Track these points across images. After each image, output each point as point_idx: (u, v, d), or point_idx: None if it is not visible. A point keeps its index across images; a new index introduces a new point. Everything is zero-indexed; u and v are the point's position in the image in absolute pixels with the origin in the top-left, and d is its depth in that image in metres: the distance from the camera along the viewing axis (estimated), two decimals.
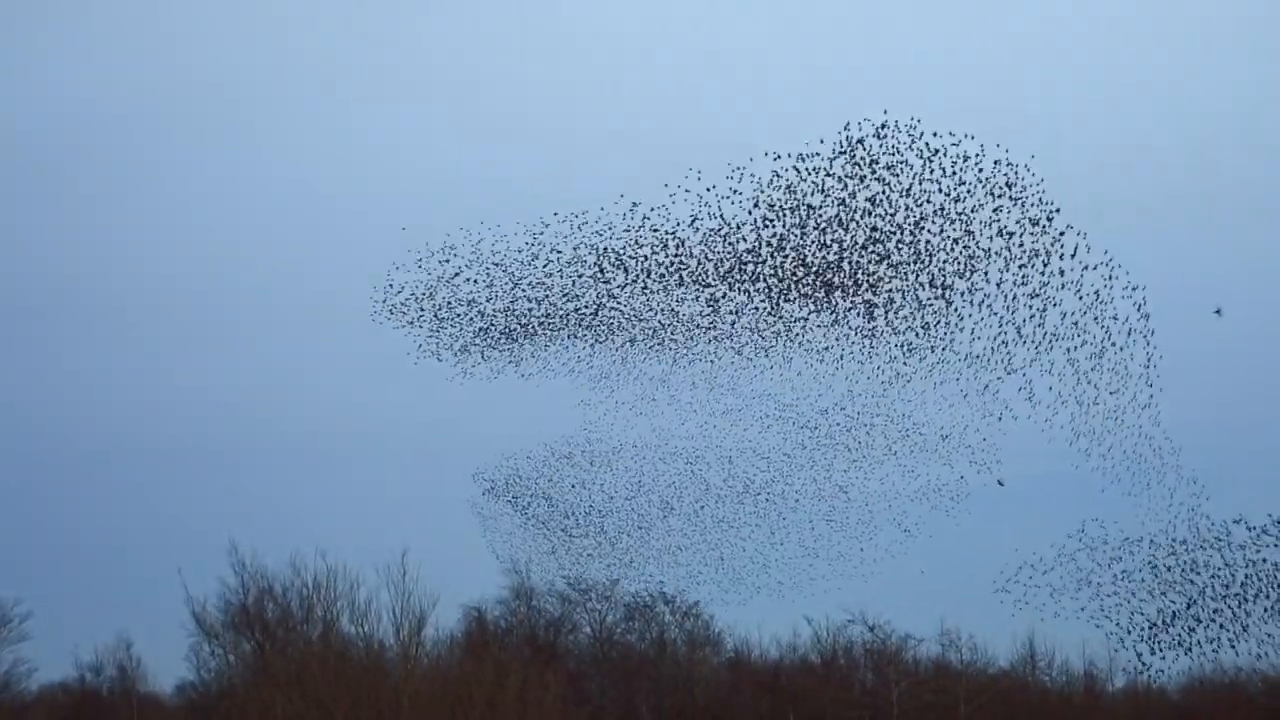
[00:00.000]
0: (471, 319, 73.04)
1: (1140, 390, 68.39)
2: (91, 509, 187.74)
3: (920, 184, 65.08)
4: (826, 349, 70.91)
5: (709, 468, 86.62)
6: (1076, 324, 66.70)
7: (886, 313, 68.48)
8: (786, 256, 67.55)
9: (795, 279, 68.48)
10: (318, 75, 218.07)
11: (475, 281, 71.54)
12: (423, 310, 72.50)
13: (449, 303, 72.33)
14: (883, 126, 63.89)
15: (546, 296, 71.98)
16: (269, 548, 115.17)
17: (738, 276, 68.88)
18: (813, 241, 66.88)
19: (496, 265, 71.07)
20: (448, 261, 70.88)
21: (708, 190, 65.74)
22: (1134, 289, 65.82)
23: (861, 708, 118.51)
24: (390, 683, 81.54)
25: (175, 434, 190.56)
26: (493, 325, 73.48)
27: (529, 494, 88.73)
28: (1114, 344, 67.13)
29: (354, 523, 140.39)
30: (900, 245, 66.36)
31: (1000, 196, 64.60)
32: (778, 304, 69.65)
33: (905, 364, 69.98)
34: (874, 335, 69.46)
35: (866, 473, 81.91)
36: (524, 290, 71.76)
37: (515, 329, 73.78)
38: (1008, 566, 73.74)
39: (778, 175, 64.93)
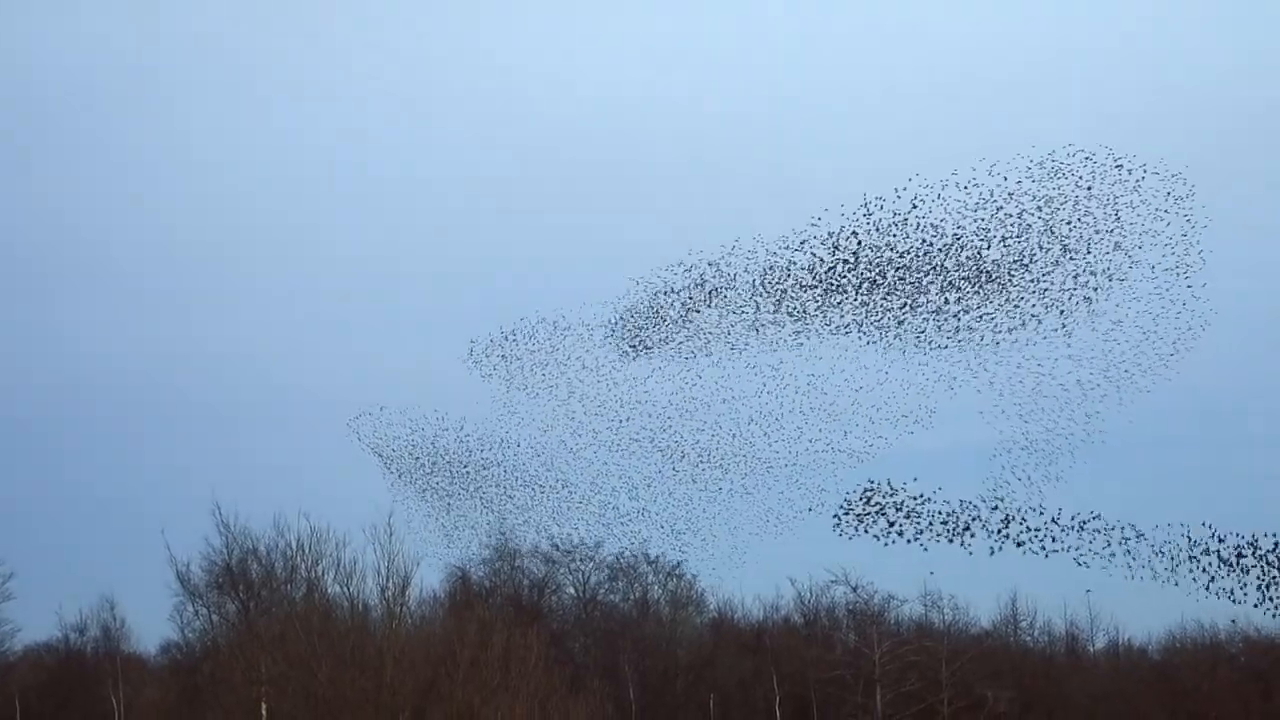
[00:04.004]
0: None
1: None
2: (75, 469, 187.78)
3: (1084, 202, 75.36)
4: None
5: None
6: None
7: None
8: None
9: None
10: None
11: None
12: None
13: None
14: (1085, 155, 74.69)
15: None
16: (253, 508, 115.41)
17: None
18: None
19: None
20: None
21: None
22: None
23: (844, 668, 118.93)
24: (374, 642, 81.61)
25: (159, 394, 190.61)
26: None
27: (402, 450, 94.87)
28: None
29: (340, 483, 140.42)
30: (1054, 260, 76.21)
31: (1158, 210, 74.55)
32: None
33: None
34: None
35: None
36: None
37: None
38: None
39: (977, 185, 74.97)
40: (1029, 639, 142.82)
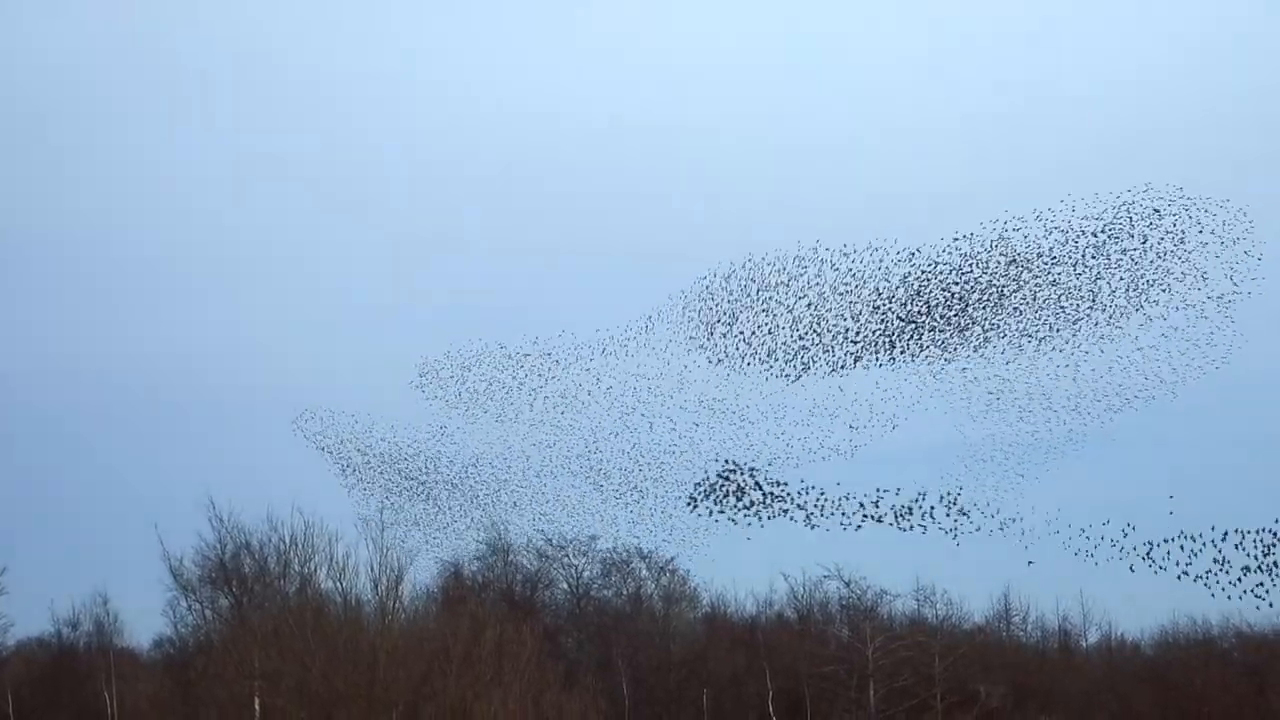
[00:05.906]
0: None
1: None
2: (68, 464, 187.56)
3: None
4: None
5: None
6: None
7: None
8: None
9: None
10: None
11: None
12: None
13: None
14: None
15: None
16: (246, 503, 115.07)
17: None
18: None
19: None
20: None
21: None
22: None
23: (837, 663, 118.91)
24: (367, 637, 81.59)
25: (152, 389, 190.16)
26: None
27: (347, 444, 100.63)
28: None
29: (333, 479, 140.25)
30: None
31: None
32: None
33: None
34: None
35: None
36: None
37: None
38: None
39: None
40: (1022, 634, 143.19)
